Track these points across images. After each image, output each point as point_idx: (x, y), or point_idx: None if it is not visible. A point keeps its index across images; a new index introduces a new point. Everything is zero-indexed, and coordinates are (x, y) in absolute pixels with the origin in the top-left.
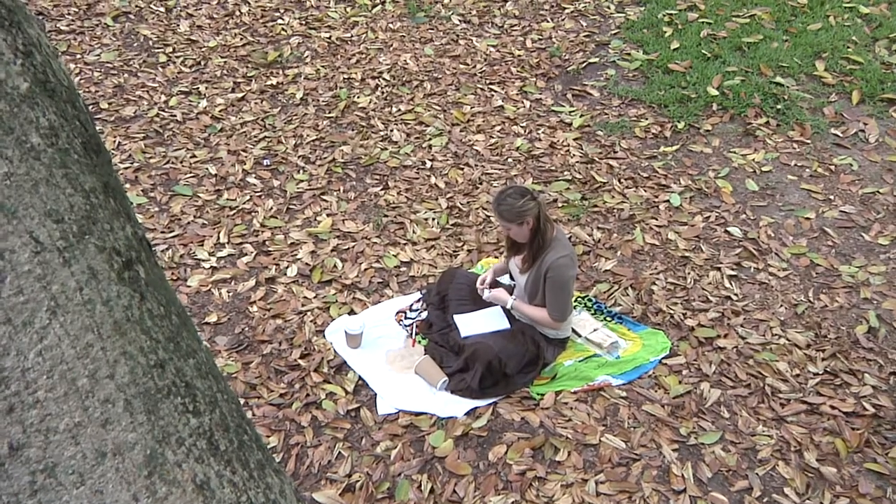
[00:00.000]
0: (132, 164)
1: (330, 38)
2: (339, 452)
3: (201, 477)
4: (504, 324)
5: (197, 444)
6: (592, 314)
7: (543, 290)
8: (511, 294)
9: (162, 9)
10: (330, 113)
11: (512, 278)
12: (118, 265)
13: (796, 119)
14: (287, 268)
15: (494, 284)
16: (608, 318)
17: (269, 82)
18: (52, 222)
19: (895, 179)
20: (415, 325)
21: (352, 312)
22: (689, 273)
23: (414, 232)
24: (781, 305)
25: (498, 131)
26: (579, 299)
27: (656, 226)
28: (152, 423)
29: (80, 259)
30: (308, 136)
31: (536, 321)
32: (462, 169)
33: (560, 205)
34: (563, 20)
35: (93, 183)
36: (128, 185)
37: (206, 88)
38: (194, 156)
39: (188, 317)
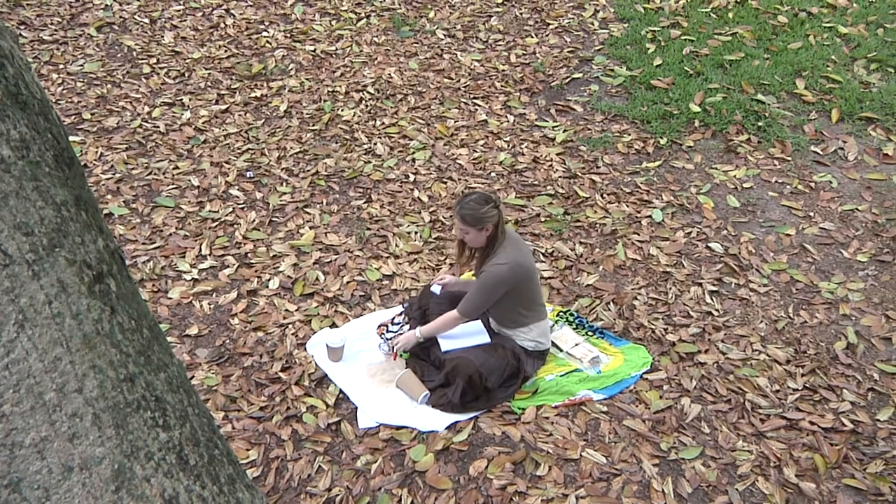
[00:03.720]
0: (114, 174)
1: (314, 51)
2: (320, 466)
3: (170, 492)
4: (484, 338)
5: (166, 458)
6: (574, 329)
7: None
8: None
9: (146, 20)
10: (314, 126)
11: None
12: (89, 278)
13: (777, 136)
14: (269, 280)
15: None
16: (590, 333)
17: (253, 94)
18: (22, 235)
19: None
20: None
21: (333, 326)
22: (670, 288)
23: (396, 245)
24: (762, 321)
25: (481, 145)
26: (561, 313)
27: (638, 241)
28: (121, 437)
29: (50, 272)
30: (291, 148)
31: (446, 325)
32: (445, 183)
33: (542, 219)
34: (547, 36)
35: (64, 196)
36: (109, 196)
37: (190, 100)
38: (177, 167)
39: (160, 330)
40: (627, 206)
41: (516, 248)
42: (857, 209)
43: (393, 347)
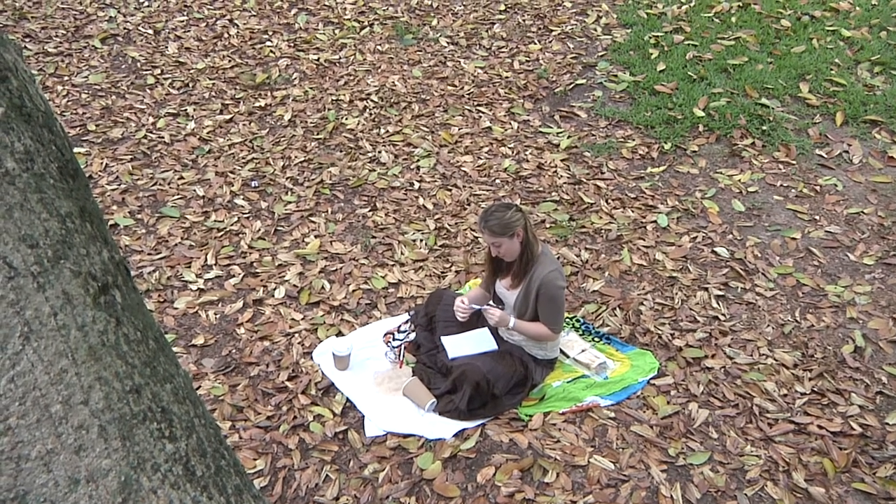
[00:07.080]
0: (119, 185)
1: (318, 59)
2: (327, 475)
3: (177, 503)
4: (492, 345)
5: (173, 469)
6: (580, 335)
7: (535, 306)
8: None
9: (150, 31)
10: (318, 134)
11: (497, 302)
12: (94, 290)
13: (781, 140)
14: (275, 289)
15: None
16: (596, 339)
17: (257, 104)
18: (27, 247)
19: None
20: (403, 346)
21: (339, 334)
22: (676, 293)
23: (402, 253)
24: (768, 325)
25: (486, 152)
26: (567, 320)
27: (644, 246)
28: (127, 448)
29: (55, 284)
30: (296, 157)
31: (536, 337)
32: (450, 190)
33: (548, 226)
34: (550, 42)
35: (69, 207)
36: (115, 207)
37: (194, 110)
38: (182, 177)
39: (166, 341)
40: (632, 211)
41: (551, 253)
42: (862, 212)
43: (400, 355)
